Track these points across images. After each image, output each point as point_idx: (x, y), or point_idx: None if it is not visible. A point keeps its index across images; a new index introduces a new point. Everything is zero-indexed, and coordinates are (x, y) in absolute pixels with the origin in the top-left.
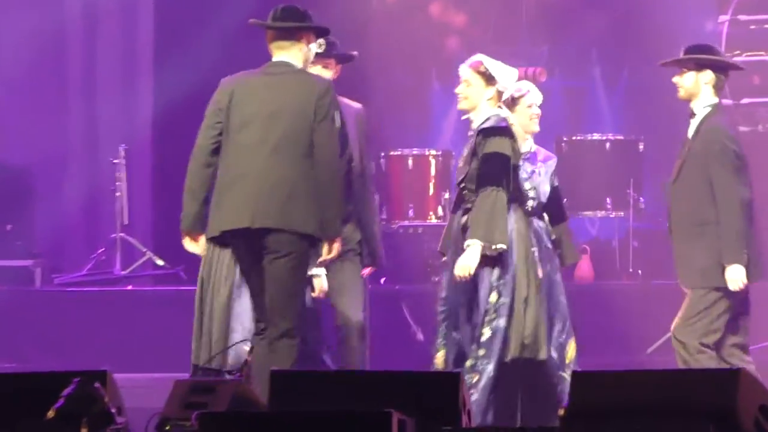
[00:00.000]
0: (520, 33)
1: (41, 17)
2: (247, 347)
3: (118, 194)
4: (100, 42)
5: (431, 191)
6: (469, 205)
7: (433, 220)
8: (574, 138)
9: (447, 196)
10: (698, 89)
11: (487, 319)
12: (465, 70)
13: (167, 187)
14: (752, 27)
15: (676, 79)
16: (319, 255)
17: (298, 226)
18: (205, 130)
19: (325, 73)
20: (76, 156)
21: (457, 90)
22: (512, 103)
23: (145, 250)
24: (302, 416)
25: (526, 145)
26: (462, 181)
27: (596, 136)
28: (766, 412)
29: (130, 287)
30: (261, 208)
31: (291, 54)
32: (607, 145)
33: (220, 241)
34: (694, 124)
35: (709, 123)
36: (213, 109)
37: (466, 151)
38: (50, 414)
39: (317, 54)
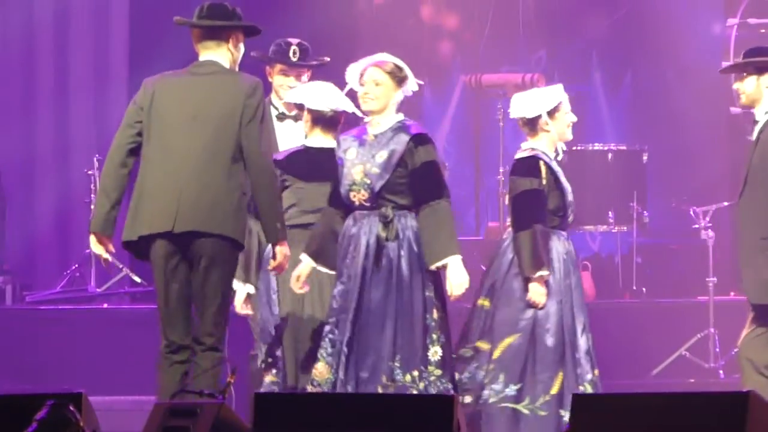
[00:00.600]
0: (517, 36)
1: (9, 21)
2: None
3: (92, 207)
4: (71, 47)
5: None
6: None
7: None
8: (574, 148)
9: None
10: (760, 94)
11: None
12: (373, 70)
13: None
14: (762, 31)
15: (737, 85)
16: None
17: (224, 230)
18: (123, 129)
19: (294, 82)
20: (47, 167)
21: (366, 90)
22: (553, 111)
23: (121, 266)
24: None
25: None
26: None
27: (598, 147)
28: None
29: (105, 305)
30: (184, 212)
31: (218, 54)
32: (609, 155)
33: (135, 246)
34: (756, 131)
35: None
36: (133, 108)
37: (385, 155)
38: None
39: (291, 64)
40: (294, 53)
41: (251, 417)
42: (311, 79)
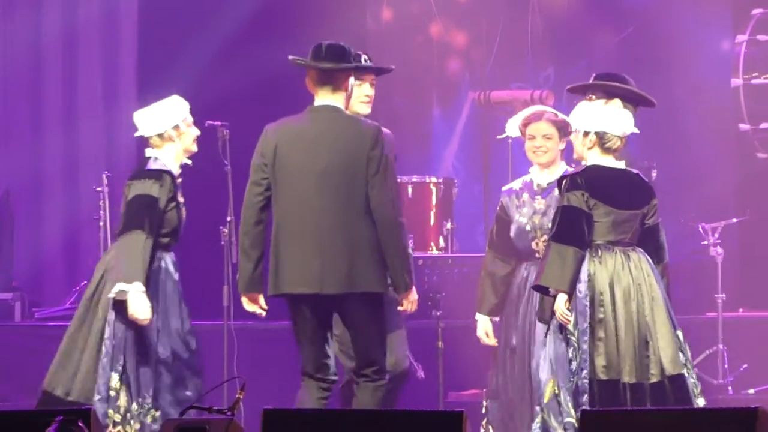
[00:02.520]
0: (525, 53)
1: (18, 39)
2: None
3: (101, 223)
4: (80, 64)
5: (432, 221)
6: None
7: (434, 252)
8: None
9: (449, 226)
10: None
11: None
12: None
13: None
14: None
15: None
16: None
17: (371, 287)
18: (251, 187)
19: (363, 88)
20: (56, 183)
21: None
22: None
23: None
24: None
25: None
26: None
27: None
28: None
29: None
30: (329, 273)
31: (335, 97)
32: None
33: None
34: None
35: None
36: (258, 164)
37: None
38: None
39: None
40: (366, 60)
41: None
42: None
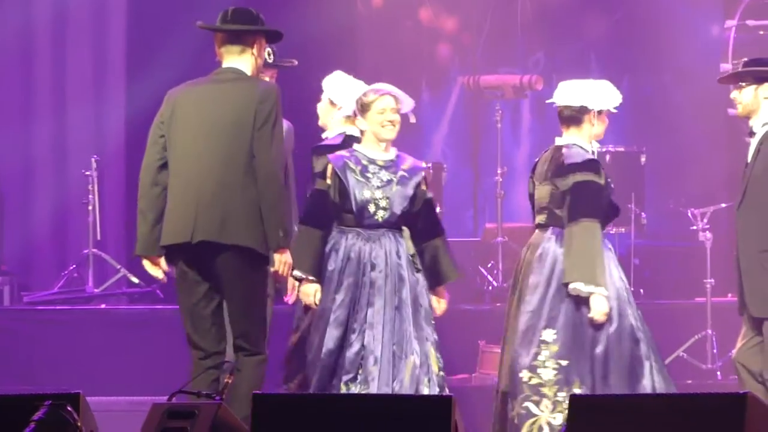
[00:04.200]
0: (515, 38)
1: (7, 23)
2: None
3: (90, 208)
4: (69, 48)
5: None
6: None
7: None
8: None
9: (438, 210)
10: (758, 105)
11: None
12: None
13: None
14: (761, 32)
15: (734, 95)
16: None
17: (240, 241)
18: (149, 147)
19: None
20: (45, 168)
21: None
22: (362, 109)
23: (119, 266)
24: None
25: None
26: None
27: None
28: None
29: (103, 306)
30: (201, 223)
31: (241, 60)
32: (607, 157)
33: (167, 255)
34: (754, 143)
35: None
36: (156, 123)
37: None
38: None
39: (267, 65)
40: (269, 54)
41: (250, 417)
42: (277, 80)
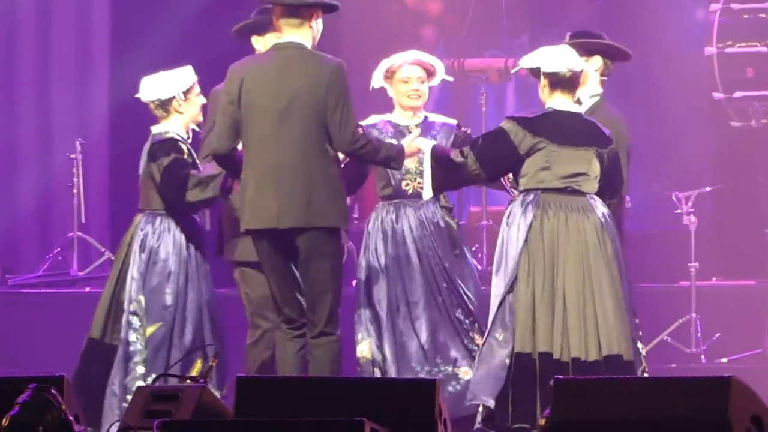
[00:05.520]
0: (500, 21)
1: None
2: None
3: (74, 191)
4: (53, 30)
5: None
6: None
7: None
8: None
9: None
10: (586, 77)
11: None
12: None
13: (125, 182)
14: (746, 16)
15: None
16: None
17: (325, 222)
18: (224, 131)
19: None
20: (29, 150)
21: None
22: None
23: (103, 249)
24: (270, 425)
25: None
26: None
27: None
28: (758, 422)
29: (87, 289)
30: (285, 208)
31: (300, 33)
32: None
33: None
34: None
35: (605, 113)
36: (225, 105)
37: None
38: (4, 422)
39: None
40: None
41: (233, 400)
42: None
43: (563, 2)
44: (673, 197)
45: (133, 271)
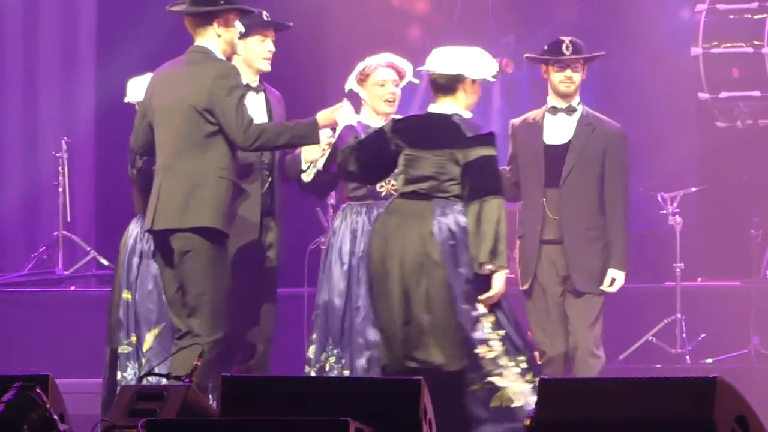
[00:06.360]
0: (486, 20)
1: None
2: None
3: (60, 189)
4: (40, 29)
5: None
6: None
7: None
8: None
9: None
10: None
11: None
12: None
13: (110, 181)
14: (732, 16)
15: (568, 75)
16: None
17: (195, 222)
18: (135, 130)
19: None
20: (15, 149)
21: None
22: (361, 78)
23: (88, 248)
24: (255, 424)
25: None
26: None
27: None
28: (743, 423)
29: (73, 288)
30: (159, 210)
31: (207, 39)
32: None
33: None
34: (574, 120)
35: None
36: (142, 104)
37: None
38: None
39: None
40: (266, 17)
41: (218, 399)
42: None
43: (549, 3)
44: (659, 198)
45: (130, 277)
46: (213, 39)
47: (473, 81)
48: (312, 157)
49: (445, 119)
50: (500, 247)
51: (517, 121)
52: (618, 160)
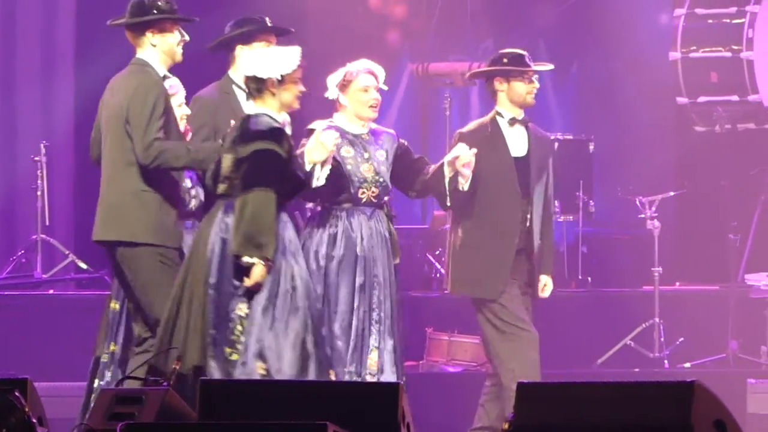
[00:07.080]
0: (465, 25)
1: None
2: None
3: (39, 193)
4: (18, 32)
5: None
6: None
7: None
8: None
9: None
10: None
11: None
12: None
13: (89, 185)
14: (710, 21)
15: (536, 85)
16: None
17: (125, 236)
18: (92, 138)
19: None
20: None
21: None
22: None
23: (67, 252)
24: (233, 428)
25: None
26: None
27: None
28: (721, 427)
29: (51, 291)
30: (98, 221)
31: (143, 50)
32: (556, 145)
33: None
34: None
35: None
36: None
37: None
38: None
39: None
40: (268, 21)
41: (197, 403)
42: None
43: (528, 7)
44: (637, 202)
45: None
46: (149, 49)
47: (280, 80)
48: (315, 159)
49: (245, 119)
50: (260, 239)
51: (465, 130)
52: (551, 168)
